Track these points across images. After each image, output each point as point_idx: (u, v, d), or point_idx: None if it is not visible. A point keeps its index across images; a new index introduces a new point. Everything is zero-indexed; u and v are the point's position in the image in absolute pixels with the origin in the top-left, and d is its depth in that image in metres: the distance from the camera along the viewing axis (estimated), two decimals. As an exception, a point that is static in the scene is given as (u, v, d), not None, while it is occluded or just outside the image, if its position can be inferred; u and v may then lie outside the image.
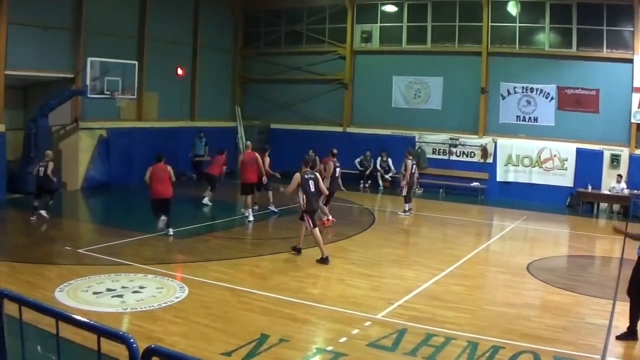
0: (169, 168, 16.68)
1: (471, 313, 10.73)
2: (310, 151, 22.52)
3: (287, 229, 17.99)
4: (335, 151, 19.83)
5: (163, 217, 16.64)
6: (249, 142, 21.27)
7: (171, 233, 16.71)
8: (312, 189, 14.48)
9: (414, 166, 21.88)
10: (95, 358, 5.12)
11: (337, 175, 19.24)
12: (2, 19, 21.14)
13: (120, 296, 11.18)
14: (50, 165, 18.29)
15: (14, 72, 21.94)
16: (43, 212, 18.23)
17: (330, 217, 18.74)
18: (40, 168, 18.21)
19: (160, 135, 26.26)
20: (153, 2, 27.54)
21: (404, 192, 21.46)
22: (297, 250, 14.85)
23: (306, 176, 14.57)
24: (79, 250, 14.70)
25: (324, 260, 14.12)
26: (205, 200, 21.50)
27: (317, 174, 15.12)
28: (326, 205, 18.64)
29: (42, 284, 11.81)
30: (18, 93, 24.90)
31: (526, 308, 11.23)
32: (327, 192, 16.30)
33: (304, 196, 14.42)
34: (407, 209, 21.44)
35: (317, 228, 14.62)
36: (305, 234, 14.72)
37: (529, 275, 13.63)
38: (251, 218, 19.14)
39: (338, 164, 19.53)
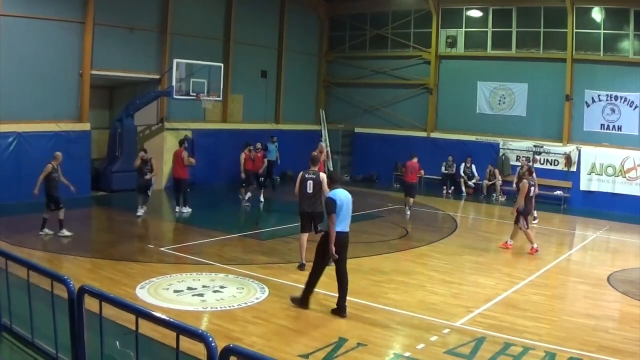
0: (184, 153, 20.23)
1: (550, 323, 10.68)
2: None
3: (369, 234, 18.18)
4: (533, 169, 18.83)
5: (184, 209, 20.23)
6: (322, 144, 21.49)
7: (184, 211, 20.10)
8: (309, 190, 13.59)
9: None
10: (174, 355, 5.56)
11: (531, 194, 16.92)
12: (89, 20, 21.97)
13: (201, 295, 11.44)
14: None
15: (100, 72, 22.72)
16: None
17: (535, 246, 16.56)
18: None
19: (245, 137, 26.65)
20: (239, 4, 28.16)
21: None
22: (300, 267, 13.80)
23: (307, 175, 13.71)
24: (161, 249, 15.19)
25: (300, 267, 13.63)
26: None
27: (323, 176, 13.60)
28: (525, 223, 16.69)
29: (123, 280, 12.18)
30: (104, 93, 25.90)
31: (605, 320, 11.11)
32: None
33: (299, 196, 13.74)
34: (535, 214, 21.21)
35: (305, 234, 13.83)
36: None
37: (609, 286, 13.50)
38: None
39: (533, 182, 17.29)
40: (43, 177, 15.68)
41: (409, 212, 21.79)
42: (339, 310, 10.70)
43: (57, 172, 15.95)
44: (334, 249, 10.59)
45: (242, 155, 22.05)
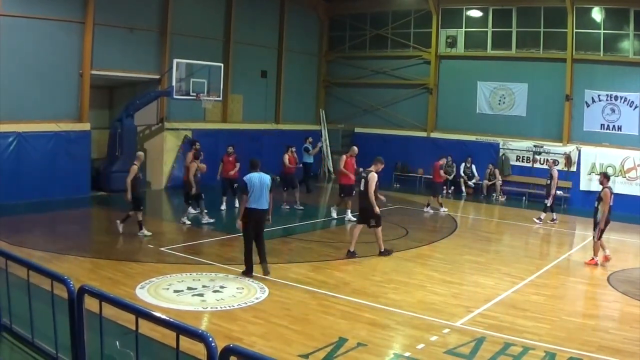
0: (190, 155, 19.24)
1: (550, 323, 10.66)
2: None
3: (369, 234, 18.14)
4: (610, 174, 18.11)
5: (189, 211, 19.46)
6: (354, 147, 21.09)
7: (192, 212, 19.46)
8: (362, 188, 15.22)
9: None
10: (174, 355, 5.55)
11: (611, 203, 15.60)
12: (89, 20, 21.96)
13: (201, 295, 11.45)
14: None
15: (100, 72, 22.71)
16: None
17: (597, 259, 15.62)
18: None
19: (245, 137, 26.68)
20: (239, 4, 28.16)
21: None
22: (387, 253, 15.50)
23: (362, 174, 15.44)
24: (161, 249, 15.18)
25: (350, 254, 15.13)
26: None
27: (372, 175, 15.14)
28: (598, 234, 15.64)
29: (123, 280, 12.21)
30: (103, 93, 25.88)
31: (605, 320, 11.16)
32: (373, 200, 14.95)
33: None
34: (542, 217, 21.53)
35: (359, 226, 15.42)
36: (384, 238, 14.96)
37: (609, 286, 13.49)
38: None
39: (612, 190, 15.98)
40: (131, 179, 16.00)
41: (443, 210, 22.84)
42: (261, 269, 12.83)
43: (140, 173, 16.36)
44: (240, 223, 12.72)
45: (285, 157, 21.76)
